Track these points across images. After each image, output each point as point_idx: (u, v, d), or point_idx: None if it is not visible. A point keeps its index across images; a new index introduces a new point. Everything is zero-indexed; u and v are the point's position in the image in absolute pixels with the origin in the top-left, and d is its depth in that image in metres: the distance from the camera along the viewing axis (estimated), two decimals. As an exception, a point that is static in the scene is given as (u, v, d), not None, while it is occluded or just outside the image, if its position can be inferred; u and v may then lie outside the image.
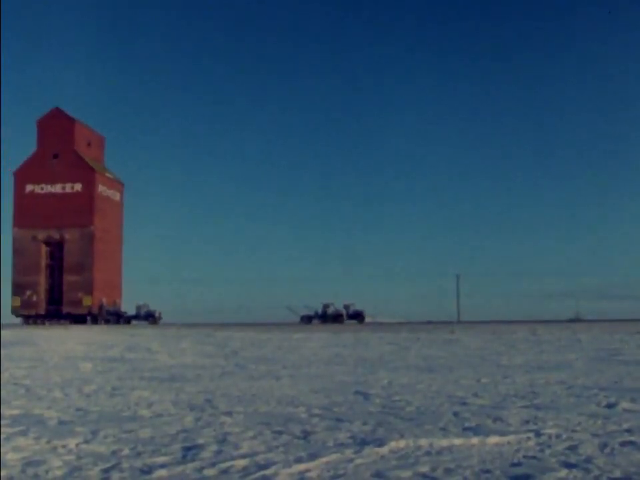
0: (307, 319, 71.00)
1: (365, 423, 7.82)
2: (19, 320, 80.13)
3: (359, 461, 5.86)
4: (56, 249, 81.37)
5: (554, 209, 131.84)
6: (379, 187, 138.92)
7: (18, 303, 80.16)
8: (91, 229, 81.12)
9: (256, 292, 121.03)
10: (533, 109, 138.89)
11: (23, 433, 7.32)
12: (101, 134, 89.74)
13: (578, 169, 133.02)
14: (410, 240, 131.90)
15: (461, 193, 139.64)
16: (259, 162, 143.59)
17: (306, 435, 7.11)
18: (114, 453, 6.31)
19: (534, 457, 5.99)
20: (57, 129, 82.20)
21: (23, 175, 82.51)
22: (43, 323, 76.13)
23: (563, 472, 5.46)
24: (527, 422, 7.81)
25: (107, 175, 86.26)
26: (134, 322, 74.96)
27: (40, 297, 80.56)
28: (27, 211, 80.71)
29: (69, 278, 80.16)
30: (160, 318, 75.12)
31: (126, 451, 6.35)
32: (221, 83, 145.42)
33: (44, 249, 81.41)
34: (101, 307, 79.00)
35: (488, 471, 5.48)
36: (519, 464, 5.74)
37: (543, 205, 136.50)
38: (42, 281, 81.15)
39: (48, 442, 6.83)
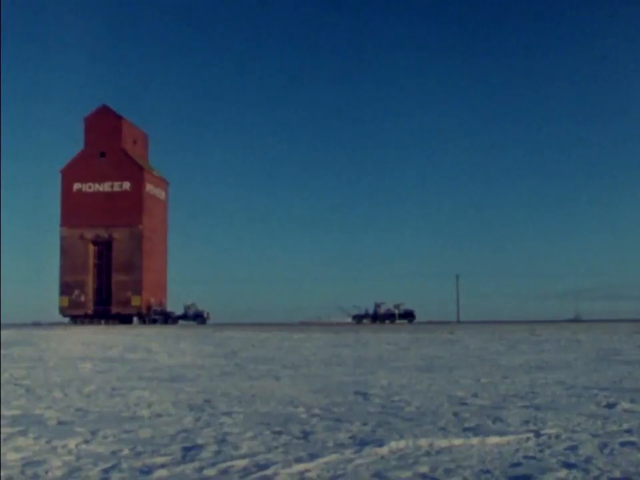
0: (359, 318, 70.00)
1: (364, 423, 7.82)
2: (58, 319, 78.99)
3: (358, 461, 5.86)
4: (104, 248, 79.86)
5: (554, 209, 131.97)
6: (379, 187, 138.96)
7: (66, 302, 78.77)
8: (140, 229, 79.76)
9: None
10: (532, 110, 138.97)
11: (23, 433, 7.32)
12: (144, 131, 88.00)
13: (578, 169, 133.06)
14: (410, 240, 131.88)
15: (460, 193, 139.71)
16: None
17: (305, 435, 7.11)
18: (113, 453, 6.31)
19: (534, 457, 5.99)
20: (104, 127, 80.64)
21: (70, 174, 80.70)
22: (91, 323, 74.81)
23: (563, 472, 5.46)
24: (527, 422, 7.81)
25: (153, 173, 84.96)
26: (181, 322, 73.38)
27: (88, 296, 79.21)
28: (75, 210, 79.31)
29: (117, 277, 78.92)
30: (208, 318, 73.80)
31: (125, 451, 6.35)
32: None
33: (91, 248, 79.98)
34: (149, 307, 77.73)
35: (488, 472, 5.48)
36: (518, 464, 5.74)
37: (542, 206, 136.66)
38: (90, 280, 79.60)
39: (48, 442, 6.83)
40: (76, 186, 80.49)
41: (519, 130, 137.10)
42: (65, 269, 79.69)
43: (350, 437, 6.99)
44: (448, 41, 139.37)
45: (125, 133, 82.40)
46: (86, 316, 77.61)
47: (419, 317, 72.02)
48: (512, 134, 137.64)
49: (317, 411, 8.90)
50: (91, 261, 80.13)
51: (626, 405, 9.20)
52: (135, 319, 77.76)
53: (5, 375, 14.38)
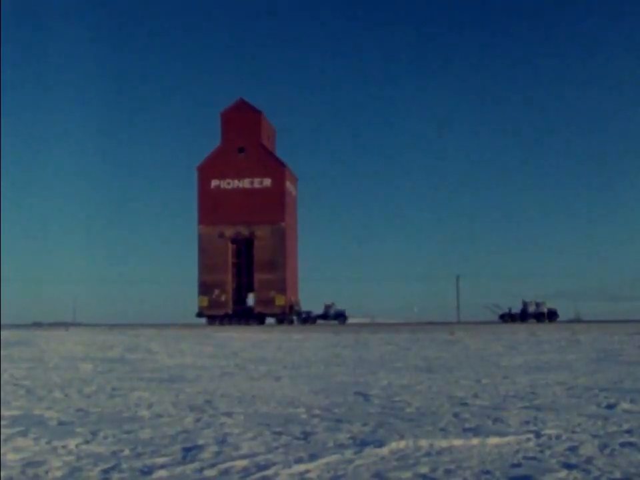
0: (508, 317, 68.88)
1: (364, 424, 7.82)
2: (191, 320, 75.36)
3: (358, 462, 5.86)
4: (242, 246, 76.55)
5: (554, 209, 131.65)
6: (379, 187, 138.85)
7: (205, 302, 74.91)
8: (282, 226, 76.15)
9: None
10: (532, 112, 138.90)
11: (23, 434, 7.32)
12: (273, 125, 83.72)
13: (578, 169, 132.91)
14: (410, 241, 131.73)
15: (461, 193, 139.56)
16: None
17: (306, 436, 7.11)
18: (114, 453, 6.31)
19: (534, 458, 5.99)
20: (242, 122, 77.03)
21: (208, 170, 76.93)
22: (230, 323, 71.97)
23: (563, 473, 5.46)
24: (527, 423, 7.81)
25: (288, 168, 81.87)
26: (319, 321, 71.19)
27: (228, 296, 75.62)
28: (213, 208, 75.74)
29: (260, 276, 75.44)
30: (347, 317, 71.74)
31: (126, 452, 6.35)
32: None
33: (230, 247, 77.09)
34: (291, 307, 75.19)
35: (488, 472, 5.48)
36: (519, 465, 5.74)
37: (542, 206, 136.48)
38: (229, 279, 76.16)
39: (48, 442, 6.83)
40: (213, 183, 76.83)
41: (519, 131, 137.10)
42: (203, 268, 75.94)
43: (350, 438, 6.99)
44: (448, 44, 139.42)
45: (264, 128, 78.46)
46: (225, 316, 74.32)
47: (419, 318, 71.62)
48: (512, 135, 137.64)
49: (317, 411, 8.90)
50: (230, 260, 76.28)
51: (626, 405, 9.20)
52: (271, 320, 74.73)
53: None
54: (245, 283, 77.34)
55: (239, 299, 77.27)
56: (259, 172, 76.62)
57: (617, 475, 5.40)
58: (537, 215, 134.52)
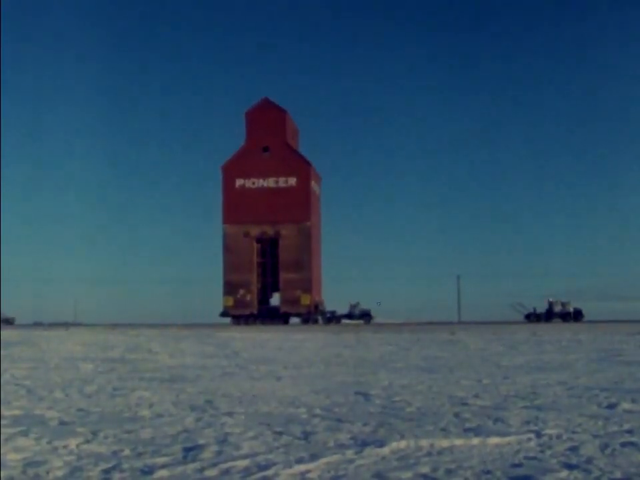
0: (534, 317, 67.62)
1: (365, 424, 7.82)
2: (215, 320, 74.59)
3: (359, 462, 5.86)
4: (267, 245, 76.22)
5: (554, 209, 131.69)
6: (379, 188, 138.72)
7: (231, 302, 74.37)
8: (308, 225, 75.78)
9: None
10: (532, 111, 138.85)
11: (24, 434, 7.32)
12: (296, 124, 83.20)
13: (578, 169, 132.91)
14: (410, 241, 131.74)
15: (461, 193, 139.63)
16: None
17: (307, 436, 7.11)
18: (115, 453, 6.32)
19: (535, 458, 5.99)
20: (267, 121, 76.27)
21: (232, 169, 76.50)
22: (255, 323, 71.25)
23: (564, 473, 5.46)
24: (528, 423, 7.81)
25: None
26: (344, 321, 70.17)
27: (253, 296, 75.12)
28: (238, 207, 75.23)
29: (286, 276, 74.90)
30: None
31: (127, 452, 6.35)
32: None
33: (255, 246, 75.99)
34: (317, 306, 74.51)
35: (489, 472, 5.48)
36: (519, 465, 5.74)
37: (543, 206, 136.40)
38: (254, 279, 75.67)
39: (49, 442, 6.83)
40: (238, 182, 76.35)
41: (519, 131, 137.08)
42: (229, 267, 75.49)
43: (351, 438, 6.99)
44: (448, 44, 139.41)
45: (289, 127, 77.97)
46: (250, 316, 73.72)
47: (419, 318, 71.44)
48: (512, 135, 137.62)
49: (318, 411, 8.91)
50: (255, 259, 75.94)
51: (627, 405, 9.20)
52: (295, 320, 74.08)
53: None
54: (269, 283, 76.97)
55: (264, 298, 76.92)
56: (284, 171, 76.19)
57: (618, 475, 5.40)
58: (537, 215, 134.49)
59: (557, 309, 67.78)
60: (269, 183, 76.24)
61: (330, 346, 27.39)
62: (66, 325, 74.31)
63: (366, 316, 70.35)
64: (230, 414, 8.69)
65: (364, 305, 71.71)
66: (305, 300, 74.01)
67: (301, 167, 76.84)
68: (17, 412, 8.95)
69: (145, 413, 8.90)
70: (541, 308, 68.67)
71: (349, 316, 71.14)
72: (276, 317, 73.37)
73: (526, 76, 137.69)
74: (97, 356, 21.85)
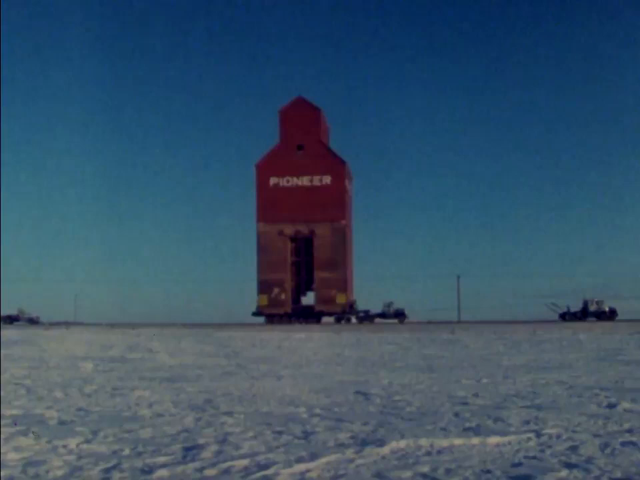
0: (569, 316, 67.05)
1: (365, 423, 7.82)
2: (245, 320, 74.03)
3: (359, 461, 5.86)
4: (302, 244, 75.82)
5: (554, 209, 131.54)
6: (379, 188, 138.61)
7: (265, 301, 73.85)
8: (343, 224, 75.37)
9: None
10: (533, 112, 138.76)
11: (24, 433, 7.32)
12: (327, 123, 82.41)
13: (577, 169, 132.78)
14: (411, 240, 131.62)
15: (461, 193, 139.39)
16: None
17: (306, 435, 7.11)
18: (114, 452, 6.31)
19: (534, 457, 5.99)
20: (301, 119, 76.16)
21: (266, 168, 76.04)
22: (289, 322, 70.61)
23: (564, 472, 5.45)
24: (528, 422, 7.81)
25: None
26: (377, 320, 69.17)
27: (287, 295, 74.68)
28: (272, 205, 74.78)
29: (320, 275, 74.43)
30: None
31: (126, 451, 6.35)
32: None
33: (289, 245, 75.59)
34: (351, 305, 73.70)
35: (488, 471, 5.48)
36: (519, 464, 5.74)
37: (543, 206, 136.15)
38: (289, 278, 75.25)
39: (49, 442, 6.83)
40: (272, 180, 75.93)
41: (519, 130, 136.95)
42: (262, 267, 74.99)
43: (351, 437, 6.98)
44: (451, 44, 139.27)
45: (323, 125, 77.63)
46: (284, 315, 73.20)
47: (419, 318, 71.25)
48: (512, 134, 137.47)
49: (318, 410, 8.90)
50: (289, 258, 75.51)
51: (627, 405, 9.20)
52: (327, 319, 73.39)
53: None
54: (303, 282, 76.69)
55: (297, 297, 76.63)
56: (319, 169, 75.80)
57: (618, 474, 5.39)
58: (537, 215, 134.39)
59: (592, 307, 67.68)
60: (303, 181, 75.90)
61: (331, 346, 27.39)
62: (66, 324, 74.31)
63: (400, 315, 69.83)
64: (230, 413, 8.68)
65: (398, 304, 71.16)
66: (341, 299, 73.62)
67: (336, 165, 76.46)
68: (16, 411, 8.94)
69: (145, 412, 8.90)
70: (575, 307, 68.85)
71: (383, 315, 70.62)
72: (310, 316, 72.93)
73: (525, 75, 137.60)
74: (97, 355, 21.84)
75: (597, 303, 67.94)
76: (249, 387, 11.92)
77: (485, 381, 12.62)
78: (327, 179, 75.96)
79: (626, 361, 17.26)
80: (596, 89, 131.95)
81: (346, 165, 77.27)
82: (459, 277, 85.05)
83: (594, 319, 65.85)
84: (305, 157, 75.81)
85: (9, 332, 43.49)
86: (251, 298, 75.48)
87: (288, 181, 76.05)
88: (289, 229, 75.00)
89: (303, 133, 76.07)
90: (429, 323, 65.45)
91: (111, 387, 12.05)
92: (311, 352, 22.88)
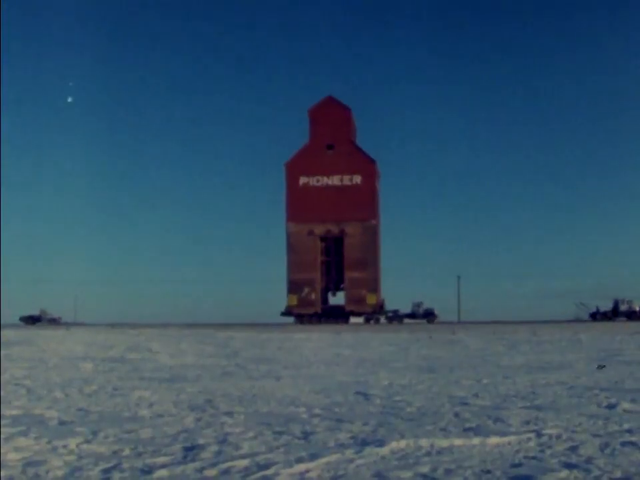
0: (600, 316, 67.36)
1: (365, 424, 7.82)
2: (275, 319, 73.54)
3: (359, 461, 5.86)
4: (332, 244, 75.62)
5: (554, 209, 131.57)
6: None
7: (294, 301, 73.65)
8: (373, 223, 75.21)
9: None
10: (533, 112, 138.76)
11: (24, 433, 7.32)
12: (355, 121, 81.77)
13: (577, 170, 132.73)
14: (411, 240, 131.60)
15: (461, 194, 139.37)
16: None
17: (306, 435, 7.11)
18: (115, 453, 6.31)
19: (534, 458, 5.99)
20: (331, 118, 75.83)
21: (296, 167, 76.06)
22: (319, 322, 70.39)
23: (564, 472, 5.45)
24: (528, 422, 7.81)
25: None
26: (407, 320, 69.30)
27: (317, 294, 74.38)
28: (302, 205, 74.66)
29: (351, 274, 74.09)
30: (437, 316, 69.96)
31: (127, 451, 6.35)
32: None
33: (319, 244, 75.35)
34: (381, 306, 73.68)
35: (488, 472, 5.48)
36: (519, 464, 5.74)
37: (543, 206, 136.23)
38: (318, 277, 75.03)
39: (48, 442, 6.83)
40: (302, 180, 75.90)
41: (519, 130, 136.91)
42: (293, 266, 74.80)
43: (351, 437, 6.99)
44: (452, 42, 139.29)
45: (353, 125, 77.66)
46: (314, 315, 72.72)
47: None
48: (512, 134, 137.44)
49: (317, 411, 8.90)
50: (319, 257, 75.38)
51: (627, 405, 9.20)
52: (355, 319, 72.97)
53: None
54: (332, 281, 76.43)
55: (326, 297, 76.40)
56: (349, 169, 75.63)
57: (618, 474, 5.39)
58: (537, 215, 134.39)
59: (623, 307, 67.88)
60: (334, 180, 75.71)
61: (331, 346, 27.39)
62: (66, 324, 74.31)
63: (430, 315, 69.55)
64: (230, 414, 8.69)
65: (427, 305, 70.94)
66: (371, 299, 73.28)
67: (366, 164, 76.23)
68: (16, 411, 8.94)
69: (145, 412, 8.90)
70: (605, 307, 68.98)
71: (412, 315, 70.41)
72: (340, 316, 72.42)
73: (525, 74, 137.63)
74: (97, 355, 21.84)
75: (628, 302, 67.97)
76: (249, 387, 11.92)
77: (484, 381, 12.62)
78: (357, 179, 75.81)
79: (626, 362, 17.25)
80: (600, 89, 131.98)
81: (375, 164, 77.00)
82: (459, 277, 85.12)
83: (624, 318, 65.91)
84: (335, 156, 75.64)
85: (9, 332, 43.48)
86: (280, 298, 75.23)
87: (318, 181, 75.94)
88: (318, 229, 74.79)
89: (332, 133, 75.89)
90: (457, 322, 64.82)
91: (111, 387, 12.05)
92: (311, 352, 22.87)
